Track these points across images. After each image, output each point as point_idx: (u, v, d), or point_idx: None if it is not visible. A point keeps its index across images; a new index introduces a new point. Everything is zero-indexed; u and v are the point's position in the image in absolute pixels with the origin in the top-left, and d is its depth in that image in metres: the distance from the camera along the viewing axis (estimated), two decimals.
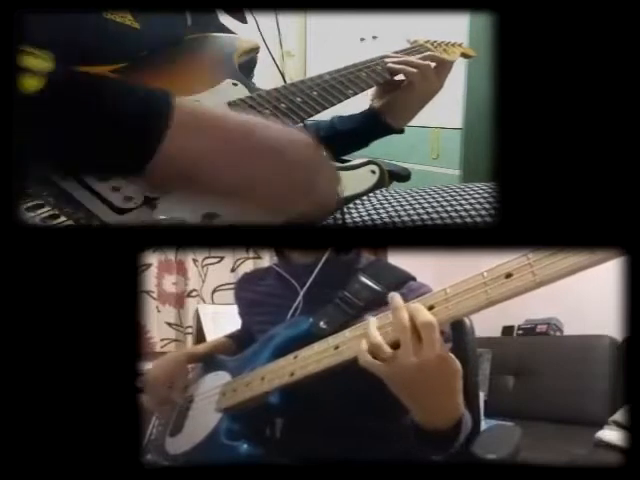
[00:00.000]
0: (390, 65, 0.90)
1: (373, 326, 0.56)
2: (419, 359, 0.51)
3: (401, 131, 0.98)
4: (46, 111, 0.43)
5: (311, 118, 0.75)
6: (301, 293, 0.80)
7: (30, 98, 0.42)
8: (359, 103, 0.95)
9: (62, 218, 0.49)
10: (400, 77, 0.92)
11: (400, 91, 0.93)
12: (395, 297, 0.55)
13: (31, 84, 0.42)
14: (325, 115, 0.83)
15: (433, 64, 0.92)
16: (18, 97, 0.42)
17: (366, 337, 0.55)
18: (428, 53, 0.95)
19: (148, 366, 0.90)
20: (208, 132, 0.48)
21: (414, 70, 0.90)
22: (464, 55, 1.09)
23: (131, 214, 0.51)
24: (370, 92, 0.92)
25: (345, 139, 0.96)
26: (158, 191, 0.52)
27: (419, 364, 0.51)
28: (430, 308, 0.53)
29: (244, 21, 0.88)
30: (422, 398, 0.55)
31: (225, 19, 0.88)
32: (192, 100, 0.50)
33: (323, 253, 0.80)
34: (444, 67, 0.94)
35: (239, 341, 0.94)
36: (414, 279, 0.77)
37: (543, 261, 0.47)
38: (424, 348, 0.51)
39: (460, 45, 1.09)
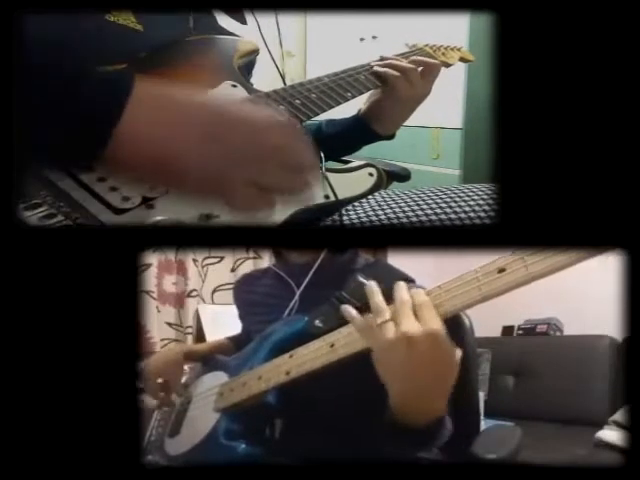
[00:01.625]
0: (375, 69, 0.87)
1: (377, 294, 0.56)
2: (411, 331, 0.50)
3: (389, 137, 0.95)
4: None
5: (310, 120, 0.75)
6: (297, 292, 0.80)
7: None
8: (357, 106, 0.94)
9: (59, 217, 0.49)
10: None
11: (385, 96, 0.90)
12: (400, 283, 0.56)
13: None
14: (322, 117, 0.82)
15: (419, 68, 0.89)
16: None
17: (371, 303, 0.55)
18: (414, 57, 0.90)
19: (145, 362, 0.90)
20: (170, 115, 0.47)
21: (397, 74, 0.86)
22: (463, 59, 1.09)
23: (129, 214, 0.51)
24: (364, 96, 0.90)
25: (332, 143, 0.93)
26: (125, 177, 0.51)
27: (409, 338, 0.50)
28: None
29: (244, 22, 0.88)
30: (405, 379, 0.53)
31: (226, 21, 0.88)
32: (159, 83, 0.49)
33: (320, 253, 0.80)
34: (431, 71, 0.90)
35: (239, 343, 0.94)
36: (413, 281, 0.77)
37: (536, 255, 0.47)
38: (419, 322, 0.51)
39: (459, 49, 1.08)
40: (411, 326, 0.51)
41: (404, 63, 0.88)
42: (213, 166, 0.47)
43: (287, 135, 0.50)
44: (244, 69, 0.84)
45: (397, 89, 0.87)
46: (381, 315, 0.54)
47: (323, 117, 0.82)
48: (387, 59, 0.89)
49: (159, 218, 0.52)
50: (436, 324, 0.51)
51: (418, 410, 0.56)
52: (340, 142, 0.96)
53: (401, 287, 0.55)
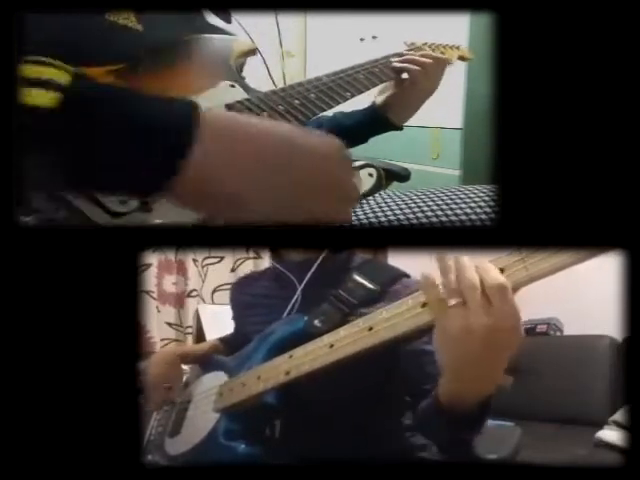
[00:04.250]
0: (395, 64, 0.93)
1: (433, 281, 0.50)
2: (491, 321, 0.45)
3: (401, 128, 1.01)
4: (61, 127, 0.39)
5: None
6: (299, 289, 0.80)
7: (41, 113, 0.38)
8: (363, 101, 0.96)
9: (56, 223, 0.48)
10: (404, 75, 0.95)
11: (403, 89, 0.95)
12: (461, 257, 0.49)
13: (45, 98, 0.38)
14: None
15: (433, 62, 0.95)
16: (27, 111, 0.38)
17: (428, 292, 0.50)
18: (425, 53, 0.97)
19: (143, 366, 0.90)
20: (240, 146, 0.44)
21: (418, 68, 0.93)
22: (461, 58, 1.10)
23: (125, 217, 0.51)
24: (375, 89, 0.95)
25: (346, 134, 0.95)
26: (191, 209, 0.48)
27: (490, 327, 0.45)
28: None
29: (228, 21, 0.88)
30: (469, 364, 0.49)
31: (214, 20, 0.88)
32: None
33: (320, 253, 0.81)
34: (441, 66, 0.97)
35: (230, 344, 0.94)
36: (408, 276, 0.78)
37: (536, 256, 0.47)
38: (497, 312, 0.45)
39: (458, 48, 1.10)
40: (489, 315, 0.46)
41: (424, 58, 0.94)
42: (280, 198, 0.45)
43: (345, 167, 0.50)
44: (240, 69, 0.84)
45: (418, 82, 0.94)
46: (453, 296, 0.48)
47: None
48: (404, 55, 0.96)
49: (157, 221, 0.52)
50: (515, 312, 0.46)
51: (470, 388, 0.53)
52: (353, 133, 1.00)
53: (468, 267, 0.47)
